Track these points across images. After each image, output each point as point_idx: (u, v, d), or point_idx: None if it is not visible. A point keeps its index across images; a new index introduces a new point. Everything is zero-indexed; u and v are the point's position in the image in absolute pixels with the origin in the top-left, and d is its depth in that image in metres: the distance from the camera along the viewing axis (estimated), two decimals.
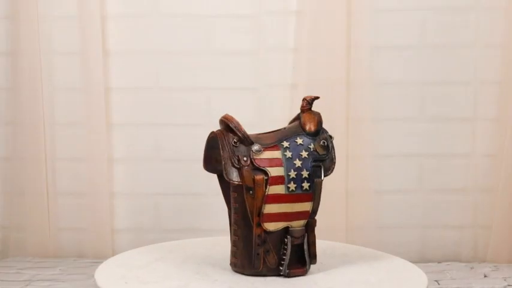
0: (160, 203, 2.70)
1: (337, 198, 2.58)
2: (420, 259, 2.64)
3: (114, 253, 2.64)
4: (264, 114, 2.60)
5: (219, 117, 1.53)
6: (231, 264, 1.54)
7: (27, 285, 2.32)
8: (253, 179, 1.45)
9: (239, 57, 2.64)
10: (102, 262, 1.65)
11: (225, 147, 1.47)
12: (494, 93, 2.61)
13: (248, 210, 1.46)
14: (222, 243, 1.61)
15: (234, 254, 1.51)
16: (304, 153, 1.50)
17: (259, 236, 1.46)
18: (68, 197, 2.70)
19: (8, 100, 2.68)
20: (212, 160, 1.54)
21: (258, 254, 1.47)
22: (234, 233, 1.51)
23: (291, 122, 1.59)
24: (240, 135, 1.48)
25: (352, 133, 2.60)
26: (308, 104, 1.56)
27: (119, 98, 2.67)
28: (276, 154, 1.48)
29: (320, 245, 1.59)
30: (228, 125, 1.50)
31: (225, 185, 1.54)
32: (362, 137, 2.61)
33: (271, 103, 2.62)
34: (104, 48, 2.62)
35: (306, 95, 1.59)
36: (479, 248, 2.65)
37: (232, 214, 1.51)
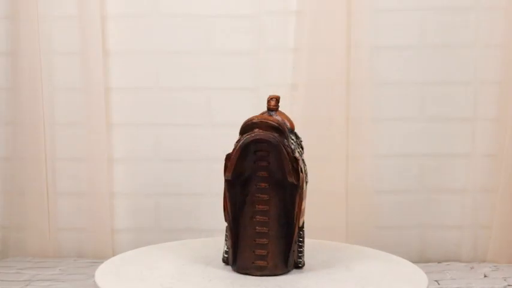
0: (160, 203, 2.70)
1: (337, 198, 2.58)
2: (420, 259, 2.64)
3: (114, 253, 2.64)
4: None
5: (246, 120, 1.51)
6: (249, 268, 1.49)
7: (27, 285, 2.32)
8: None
9: (239, 57, 2.64)
10: (102, 262, 1.65)
11: (286, 152, 1.46)
12: (494, 93, 2.61)
13: (296, 208, 1.48)
14: (222, 243, 1.60)
15: (261, 259, 1.48)
16: (300, 149, 1.56)
17: (298, 233, 1.50)
18: (67, 197, 2.70)
19: (8, 100, 2.68)
20: (237, 167, 1.48)
21: (293, 251, 1.50)
22: (260, 236, 1.48)
23: None
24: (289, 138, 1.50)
25: (352, 133, 2.60)
26: (277, 103, 1.58)
27: (119, 98, 2.67)
28: (296, 152, 1.52)
29: (320, 244, 1.59)
30: (274, 128, 1.47)
31: (237, 189, 1.49)
32: (362, 137, 2.60)
33: None
34: (104, 48, 2.62)
35: (270, 95, 1.61)
36: (479, 248, 2.65)
37: (254, 218, 1.48)
